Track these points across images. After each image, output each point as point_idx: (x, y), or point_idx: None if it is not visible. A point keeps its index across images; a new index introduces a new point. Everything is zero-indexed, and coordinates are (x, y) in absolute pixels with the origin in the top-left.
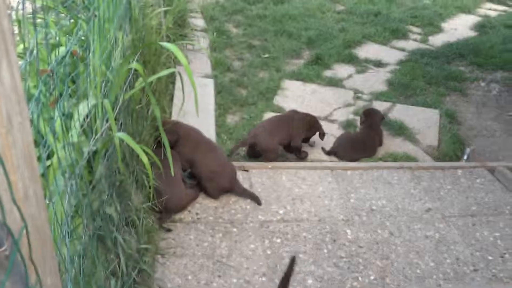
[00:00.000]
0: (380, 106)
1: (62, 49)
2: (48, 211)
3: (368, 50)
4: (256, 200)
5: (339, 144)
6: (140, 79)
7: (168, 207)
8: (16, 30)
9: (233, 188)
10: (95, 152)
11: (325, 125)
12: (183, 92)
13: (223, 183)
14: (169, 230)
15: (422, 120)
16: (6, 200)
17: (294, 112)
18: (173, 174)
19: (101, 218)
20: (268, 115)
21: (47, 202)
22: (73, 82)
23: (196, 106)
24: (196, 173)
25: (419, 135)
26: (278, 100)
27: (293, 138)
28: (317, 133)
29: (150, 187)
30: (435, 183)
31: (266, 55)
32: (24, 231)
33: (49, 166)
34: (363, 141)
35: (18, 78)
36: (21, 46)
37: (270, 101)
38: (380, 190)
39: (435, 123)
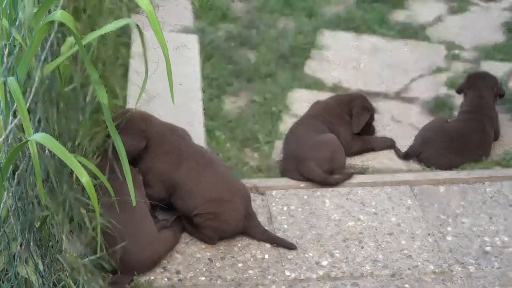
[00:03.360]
0: (493, 70)
1: None
2: None
3: None
4: (287, 245)
5: (425, 140)
6: (70, 39)
7: (128, 263)
8: None
9: (248, 229)
10: None
11: (397, 108)
12: (146, 60)
13: (233, 221)
14: None
15: None
16: None
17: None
18: (134, 203)
19: (12, 285)
20: (297, 94)
21: None
22: None
23: (170, 84)
24: (183, 205)
25: None
26: (314, 68)
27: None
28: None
29: (94, 229)
30: None
31: None
32: None
33: None
34: (466, 132)
35: None
36: None
37: (299, 70)
38: (499, 218)
39: None
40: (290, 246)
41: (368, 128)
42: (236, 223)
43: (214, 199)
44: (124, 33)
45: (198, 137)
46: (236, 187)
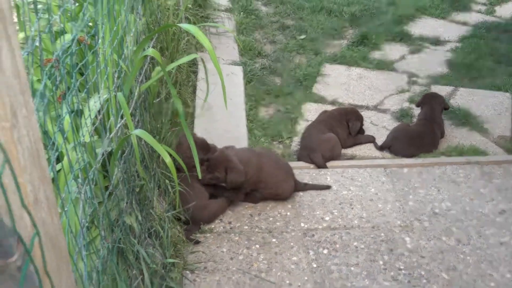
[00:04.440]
0: (439, 91)
1: (67, 37)
2: (61, 220)
3: (424, 26)
4: (322, 187)
5: (393, 137)
6: (157, 68)
7: (196, 217)
8: (15, 18)
9: (295, 188)
10: (110, 154)
11: (375, 116)
12: (207, 82)
13: (288, 192)
14: (197, 242)
15: (491, 106)
16: (15, 204)
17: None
18: (199, 176)
19: (121, 229)
20: (308, 106)
21: (59, 210)
22: (81, 74)
23: (225, 98)
24: (262, 192)
25: (488, 124)
26: (319, 89)
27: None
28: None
29: (174, 193)
30: (510, 180)
31: (302, 37)
32: (36, 240)
33: (59, 170)
34: (421, 133)
35: (21, 63)
36: (21, 34)
37: (309, 90)
38: (444, 190)
39: (506, 109)
40: (325, 188)
41: (360, 130)
42: (290, 192)
43: (278, 180)
44: (193, 64)
45: (242, 134)
46: (287, 168)
